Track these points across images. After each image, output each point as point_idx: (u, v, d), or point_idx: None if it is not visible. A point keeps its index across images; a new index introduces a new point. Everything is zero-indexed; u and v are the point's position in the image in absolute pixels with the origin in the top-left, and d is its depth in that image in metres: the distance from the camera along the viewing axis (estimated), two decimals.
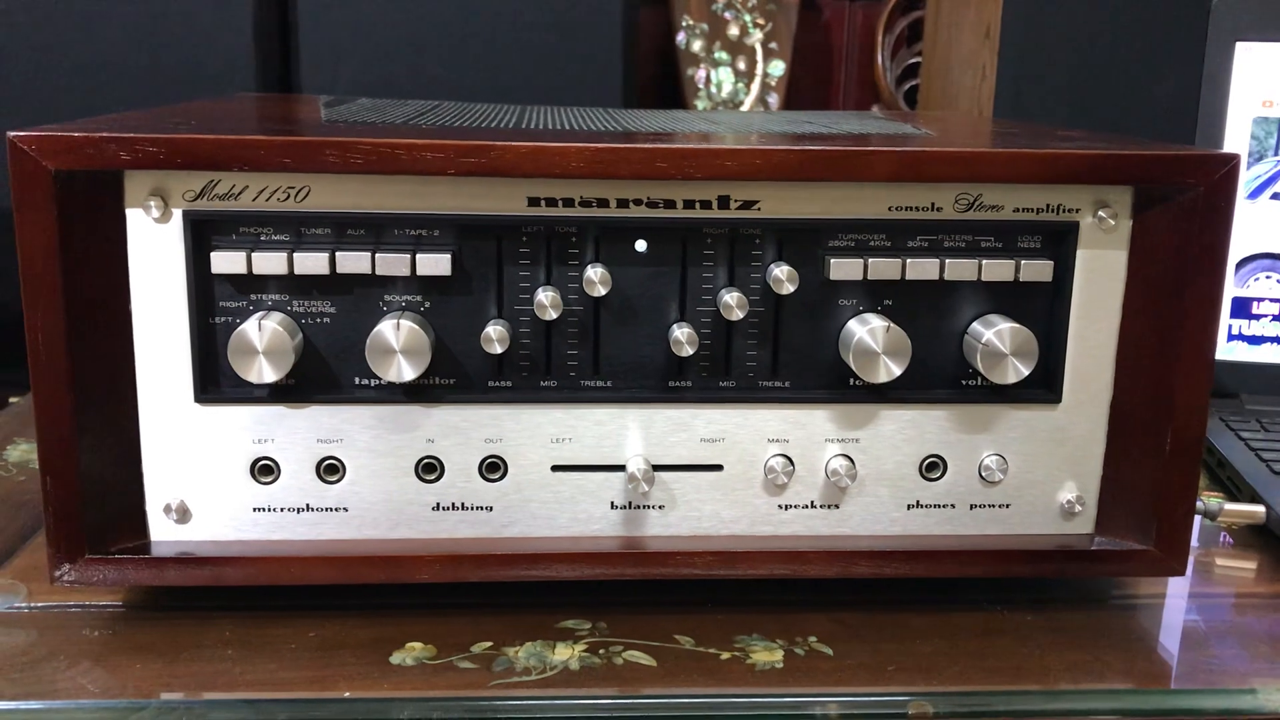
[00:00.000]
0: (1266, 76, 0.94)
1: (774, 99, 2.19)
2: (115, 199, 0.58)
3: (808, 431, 0.64)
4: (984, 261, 0.62)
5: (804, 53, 2.29)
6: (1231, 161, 0.60)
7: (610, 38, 1.57)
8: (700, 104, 2.17)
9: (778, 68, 2.18)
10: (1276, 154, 0.95)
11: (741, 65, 2.18)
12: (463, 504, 0.63)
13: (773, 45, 2.19)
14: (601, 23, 1.56)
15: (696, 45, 2.16)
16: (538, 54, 1.56)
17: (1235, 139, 0.95)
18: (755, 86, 2.17)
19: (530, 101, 1.00)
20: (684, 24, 2.17)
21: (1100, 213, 0.62)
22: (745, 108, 2.17)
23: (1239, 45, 0.94)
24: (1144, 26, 1.20)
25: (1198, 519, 0.70)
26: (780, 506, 0.64)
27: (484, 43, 1.55)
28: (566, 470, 0.63)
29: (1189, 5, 1.18)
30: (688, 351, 0.61)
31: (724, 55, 2.17)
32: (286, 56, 1.55)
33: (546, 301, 0.60)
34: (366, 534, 0.63)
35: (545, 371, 0.62)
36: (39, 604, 0.63)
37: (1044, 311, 0.63)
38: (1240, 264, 0.96)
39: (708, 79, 2.16)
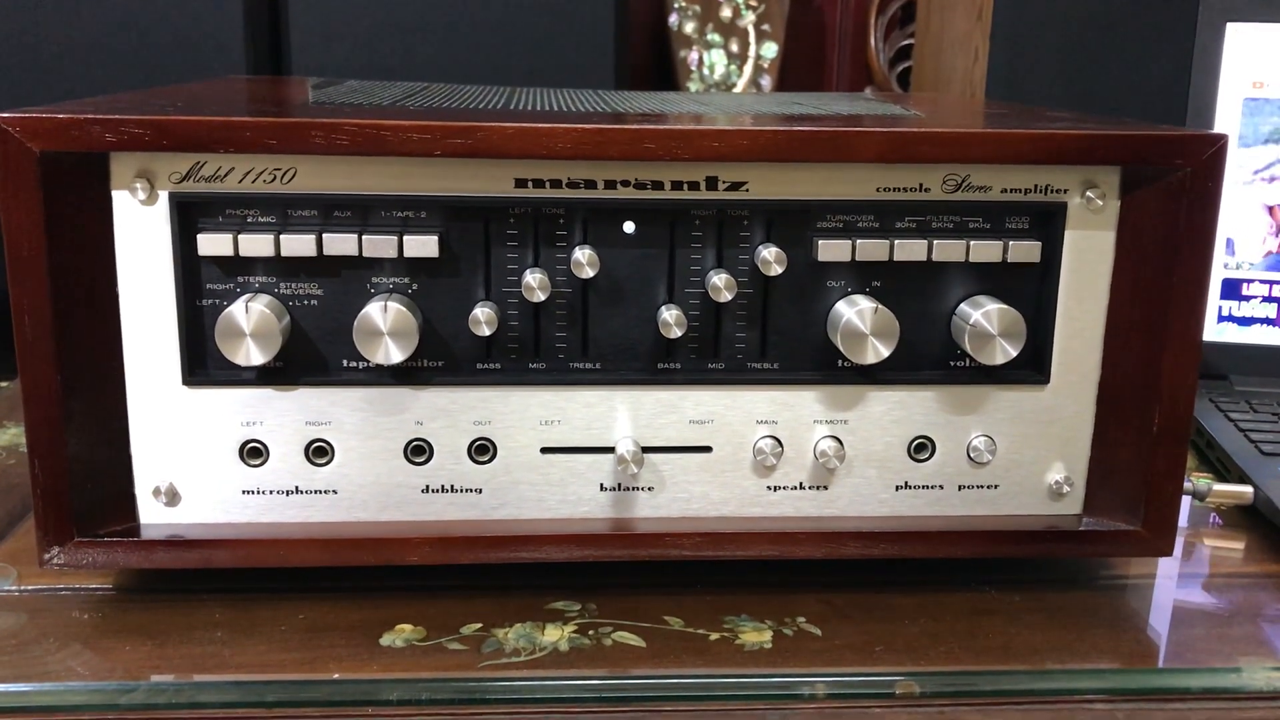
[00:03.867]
0: (1257, 57, 0.94)
1: (767, 81, 2.19)
2: (101, 181, 0.58)
3: (796, 413, 0.64)
4: (972, 242, 0.62)
5: (797, 34, 2.28)
6: (1219, 142, 0.60)
7: (602, 19, 1.57)
8: (693, 86, 2.17)
9: (770, 50, 2.17)
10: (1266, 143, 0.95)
11: (734, 47, 2.17)
12: (452, 486, 0.63)
13: (765, 27, 2.18)
14: (593, 4, 1.56)
15: (689, 27, 2.15)
16: (529, 35, 1.55)
17: (1226, 120, 0.95)
18: (748, 68, 2.17)
19: (522, 83, 1.00)
20: (676, 6, 2.16)
21: (1088, 193, 0.62)
22: (738, 90, 2.16)
23: (1229, 26, 0.94)
24: (1135, 7, 1.20)
25: (1186, 500, 0.71)
26: (769, 488, 0.65)
27: (475, 24, 1.55)
28: (555, 452, 0.63)
29: None
30: (676, 333, 0.61)
31: (716, 37, 2.16)
32: (276, 38, 1.54)
33: (534, 283, 0.60)
34: (356, 516, 0.63)
35: (534, 353, 0.62)
36: (28, 587, 0.63)
37: (1032, 292, 0.63)
38: None
39: (700, 61, 2.16)
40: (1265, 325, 0.96)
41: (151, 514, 0.62)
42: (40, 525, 0.59)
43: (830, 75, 2.37)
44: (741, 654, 0.59)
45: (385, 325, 0.58)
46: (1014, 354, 0.62)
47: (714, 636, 0.60)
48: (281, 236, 0.59)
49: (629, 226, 0.61)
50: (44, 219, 0.56)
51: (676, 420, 0.63)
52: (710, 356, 0.63)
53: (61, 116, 0.55)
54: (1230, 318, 0.97)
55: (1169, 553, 0.64)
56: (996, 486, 0.65)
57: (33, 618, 0.60)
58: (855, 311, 0.61)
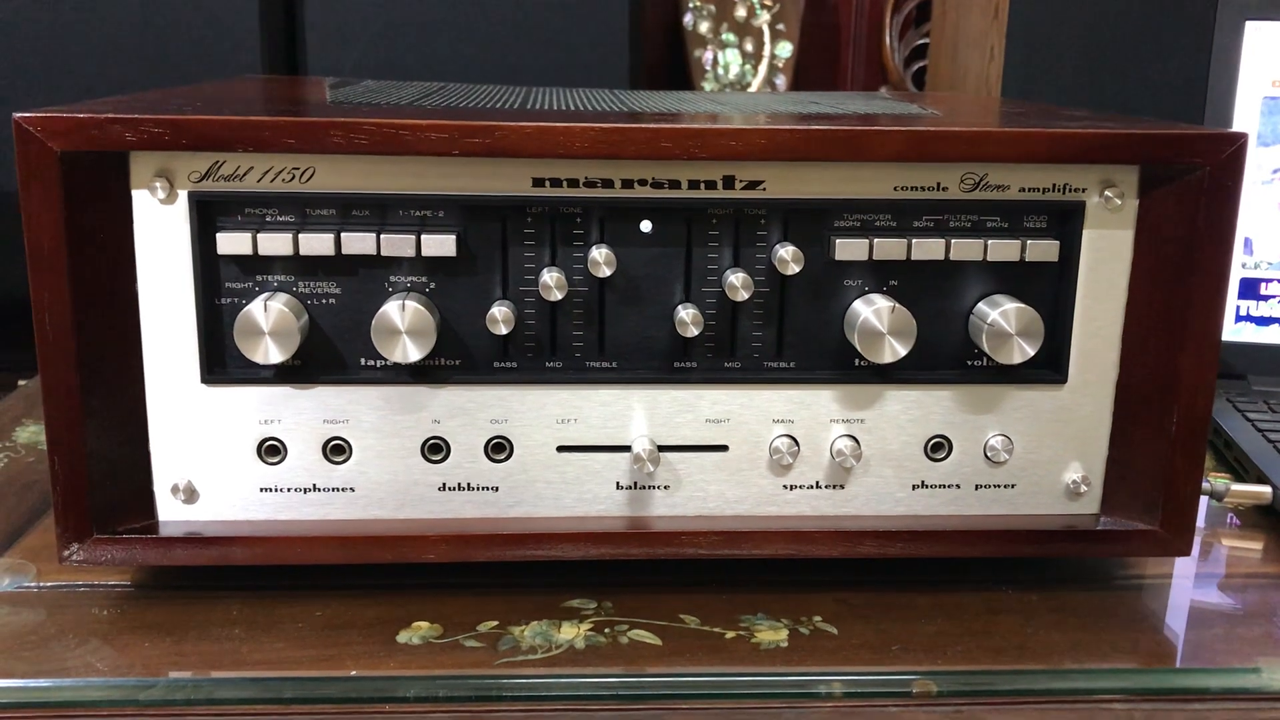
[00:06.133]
0: (1276, 55, 0.94)
1: (781, 80, 2.19)
2: (121, 180, 0.58)
3: (813, 412, 0.64)
4: (989, 241, 0.62)
5: (812, 34, 2.28)
6: (1238, 141, 0.59)
7: (617, 19, 1.57)
8: (708, 85, 2.17)
9: (785, 49, 2.17)
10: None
11: (749, 46, 2.17)
12: (469, 484, 0.63)
13: (780, 26, 2.18)
14: (608, 4, 1.56)
15: (704, 26, 2.15)
16: (545, 35, 1.55)
17: (1245, 118, 0.95)
18: (763, 68, 2.16)
19: (537, 83, 1.00)
20: (691, 5, 2.16)
21: (1106, 192, 0.61)
22: (753, 89, 2.16)
23: (1249, 24, 0.94)
24: (1153, 5, 1.20)
25: (1205, 500, 0.70)
26: (785, 487, 0.65)
27: (491, 24, 1.55)
28: (572, 451, 0.63)
29: None
30: (693, 332, 0.61)
31: (731, 36, 2.16)
32: (293, 38, 1.55)
33: (551, 282, 0.60)
34: (373, 514, 0.63)
35: (550, 352, 0.62)
36: (48, 584, 0.63)
37: (1050, 291, 0.63)
38: None
39: (715, 60, 2.16)
40: None
41: (170, 511, 0.62)
42: (59, 522, 0.59)
43: (845, 74, 2.37)
44: (757, 653, 0.59)
45: (403, 324, 0.59)
46: (1031, 353, 0.62)
47: (730, 635, 0.60)
48: (300, 235, 0.59)
49: (646, 226, 0.61)
50: (64, 218, 0.56)
51: (693, 419, 0.63)
52: (727, 355, 0.63)
53: (81, 116, 0.55)
54: (1248, 317, 0.96)
55: (1186, 552, 0.64)
56: (1013, 486, 0.65)
57: (52, 614, 0.60)
58: (872, 310, 0.61)
